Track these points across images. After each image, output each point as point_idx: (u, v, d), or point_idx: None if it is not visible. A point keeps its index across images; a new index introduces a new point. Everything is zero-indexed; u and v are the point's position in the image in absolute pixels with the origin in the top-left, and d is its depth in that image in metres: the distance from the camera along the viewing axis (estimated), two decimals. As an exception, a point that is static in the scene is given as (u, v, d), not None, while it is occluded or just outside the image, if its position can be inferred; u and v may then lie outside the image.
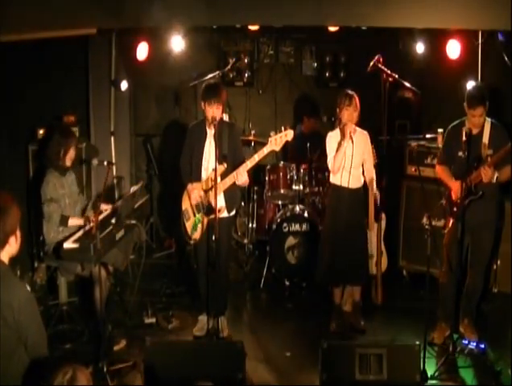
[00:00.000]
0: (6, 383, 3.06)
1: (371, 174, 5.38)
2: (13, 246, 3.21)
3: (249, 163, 4.98)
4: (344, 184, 5.24)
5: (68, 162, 5.17)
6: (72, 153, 5.16)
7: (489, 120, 4.91)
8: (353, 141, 5.15)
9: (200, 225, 5.13)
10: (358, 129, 5.26)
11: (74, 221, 5.09)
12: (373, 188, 5.43)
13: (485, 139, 4.87)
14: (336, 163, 5.20)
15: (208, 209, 4.97)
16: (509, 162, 4.79)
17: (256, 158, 4.96)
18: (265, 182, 6.62)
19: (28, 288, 3.25)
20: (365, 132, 5.34)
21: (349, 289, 5.55)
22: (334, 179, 5.36)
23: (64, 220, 5.05)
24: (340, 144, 5.17)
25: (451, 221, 5.04)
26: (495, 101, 6.04)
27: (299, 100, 7.67)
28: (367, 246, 5.61)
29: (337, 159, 5.19)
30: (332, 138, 5.27)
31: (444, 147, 5.17)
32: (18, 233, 3.24)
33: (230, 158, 5.09)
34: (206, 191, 5.07)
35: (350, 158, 5.20)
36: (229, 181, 5.05)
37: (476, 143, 4.77)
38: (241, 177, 4.99)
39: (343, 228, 5.27)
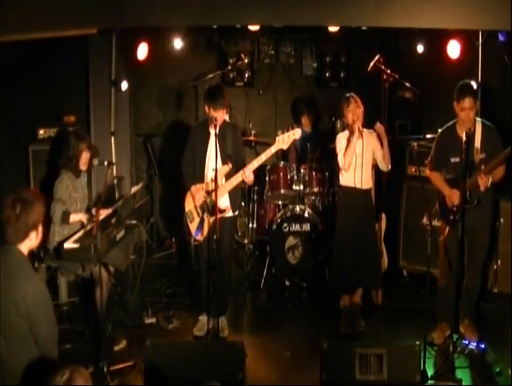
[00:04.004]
0: (22, 366, 3.11)
1: (387, 162, 5.37)
2: (33, 241, 3.28)
3: (256, 162, 5.01)
4: (358, 185, 5.26)
5: (83, 167, 5.17)
6: (85, 157, 5.15)
7: (479, 120, 4.85)
8: (362, 138, 5.17)
9: (205, 226, 5.13)
10: (365, 129, 5.30)
11: (75, 217, 5.09)
12: (387, 168, 5.41)
13: (477, 143, 4.79)
14: (347, 160, 5.23)
15: (214, 209, 4.97)
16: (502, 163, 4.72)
17: (263, 157, 4.99)
18: (265, 182, 6.62)
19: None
20: (372, 131, 5.37)
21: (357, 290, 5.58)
22: (345, 181, 5.36)
23: (65, 217, 5.04)
24: (349, 141, 5.20)
25: (447, 229, 4.99)
26: (495, 101, 6.06)
27: (297, 99, 7.66)
28: (378, 250, 5.64)
29: (347, 156, 5.21)
30: (342, 138, 5.34)
31: (436, 152, 5.05)
32: (40, 229, 3.30)
33: (234, 158, 5.10)
34: (210, 192, 5.06)
35: (361, 156, 5.21)
36: (234, 181, 5.06)
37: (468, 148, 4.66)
38: (249, 175, 5.00)
39: (359, 231, 5.32)
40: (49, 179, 5.31)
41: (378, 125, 5.35)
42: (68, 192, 5.09)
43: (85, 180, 5.33)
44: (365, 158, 5.26)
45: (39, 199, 3.28)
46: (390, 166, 5.41)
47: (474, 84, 4.91)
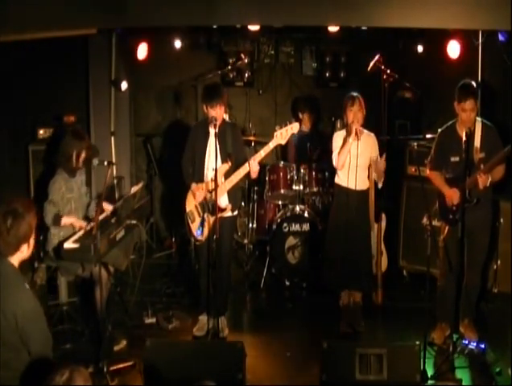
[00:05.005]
0: (16, 371, 3.09)
1: (381, 173, 5.40)
2: (24, 253, 3.23)
3: (247, 167, 5.00)
4: (351, 186, 5.26)
5: (80, 165, 5.17)
6: (84, 156, 5.16)
7: (479, 120, 4.86)
8: (358, 140, 5.16)
9: (206, 225, 5.13)
10: (365, 130, 5.30)
11: (67, 220, 5.06)
12: (379, 185, 5.45)
13: (477, 142, 4.80)
14: (341, 159, 5.22)
15: (214, 208, 4.97)
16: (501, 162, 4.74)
17: (262, 153, 5.01)
18: (265, 182, 6.62)
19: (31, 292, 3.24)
20: (372, 134, 5.38)
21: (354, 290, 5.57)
22: (339, 181, 5.36)
23: (56, 220, 5.02)
24: (345, 140, 5.19)
25: (446, 228, 5.00)
26: (495, 101, 6.06)
27: (296, 99, 7.64)
28: (371, 252, 5.62)
29: (342, 155, 5.21)
30: (338, 137, 5.34)
31: (436, 152, 5.07)
32: (32, 241, 3.24)
33: (234, 156, 5.11)
34: (210, 191, 5.07)
35: (355, 157, 5.21)
36: (234, 179, 5.06)
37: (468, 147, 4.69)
38: (255, 165, 4.98)
39: (350, 231, 5.30)
40: (46, 178, 5.32)
41: (381, 161, 5.39)
42: (61, 193, 5.07)
43: (82, 179, 5.32)
44: (361, 160, 5.26)
45: (30, 209, 3.20)
46: (381, 185, 5.46)
47: (474, 84, 4.90)
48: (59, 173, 5.11)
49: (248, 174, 5.10)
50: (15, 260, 3.20)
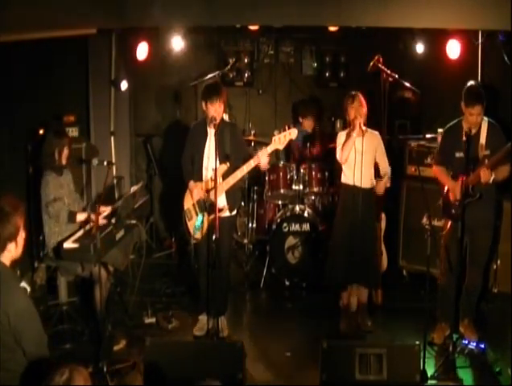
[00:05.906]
0: (15, 372, 3.08)
1: (386, 171, 5.41)
2: (12, 252, 3.20)
3: (253, 162, 5.01)
4: (358, 183, 5.26)
5: (64, 161, 5.19)
6: (66, 152, 5.19)
7: (486, 119, 4.90)
8: (363, 135, 5.16)
9: (203, 224, 5.13)
10: (369, 129, 5.30)
11: (81, 216, 5.10)
12: (387, 185, 5.45)
13: (482, 140, 4.86)
14: (345, 153, 5.21)
15: (211, 208, 4.97)
16: (506, 161, 4.77)
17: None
18: (265, 182, 6.62)
19: (28, 288, 3.22)
20: (376, 132, 5.37)
21: (356, 289, 5.56)
22: (346, 179, 5.36)
23: (71, 216, 5.06)
24: (349, 135, 5.20)
25: (449, 223, 5.02)
26: (495, 101, 6.06)
27: (299, 102, 7.60)
28: (377, 250, 5.62)
29: (345, 149, 5.20)
30: (342, 135, 5.34)
31: (441, 148, 5.16)
32: (20, 240, 3.22)
33: (233, 157, 5.10)
34: (208, 191, 5.07)
35: (360, 154, 5.19)
36: (232, 180, 5.06)
37: (473, 144, 4.75)
38: (263, 158, 4.97)
39: (357, 230, 5.30)
40: (35, 179, 5.34)
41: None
42: (57, 189, 5.10)
43: (69, 177, 5.34)
44: (366, 156, 5.25)
45: (17, 209, 3.17)
46: (388, 175, 5.45)
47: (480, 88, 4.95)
48: (47, 174, 5.11)
49: (251, 170, 5.12)
50: (5, 259, 3.18)
